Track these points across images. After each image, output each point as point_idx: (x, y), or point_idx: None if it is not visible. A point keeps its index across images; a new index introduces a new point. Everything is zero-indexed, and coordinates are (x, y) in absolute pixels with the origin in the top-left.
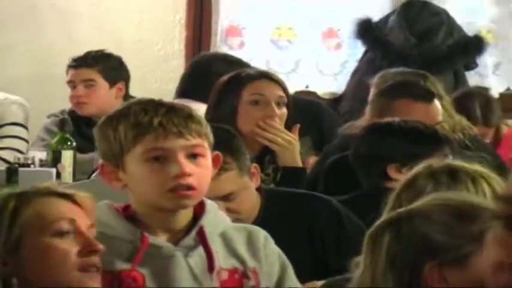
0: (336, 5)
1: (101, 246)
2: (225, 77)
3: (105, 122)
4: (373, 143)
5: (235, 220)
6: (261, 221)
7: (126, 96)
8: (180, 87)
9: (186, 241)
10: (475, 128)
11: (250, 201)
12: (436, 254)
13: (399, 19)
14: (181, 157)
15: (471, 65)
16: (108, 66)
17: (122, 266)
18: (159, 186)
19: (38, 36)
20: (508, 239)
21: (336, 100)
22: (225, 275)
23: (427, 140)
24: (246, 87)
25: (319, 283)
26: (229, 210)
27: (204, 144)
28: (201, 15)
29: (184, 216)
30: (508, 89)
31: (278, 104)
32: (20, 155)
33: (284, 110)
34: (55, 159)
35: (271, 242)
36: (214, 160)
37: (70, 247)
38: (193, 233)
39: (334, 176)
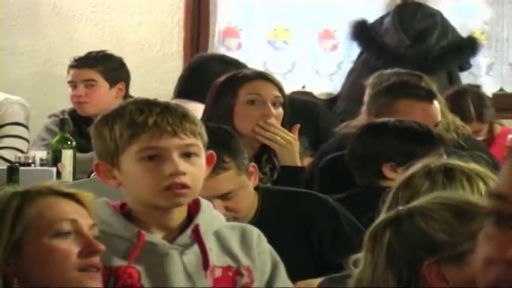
0: (332, 7)
1: (101, 247)
2: (222, 78)
3: (101, 121)
4: (369, 143)
5: (233, 218)
6: (259, 219)
7: (126, 96)
8: (177, 88)
9: (182, 239)
10: (469, 125)
11: (248, 200)
12: (435, 252)
13: (394, 20)
14: (176, 156)
15: (465, 66)
16: (108, 66)
17: (118, 262)
18: (153, 185)
19: (39, 37)
20: (499, 235)
21: (332, 100)
22: (218, 273)
23: (422, 139)
24: (242, 87)
25: (318, 280)
26: (227, 209)
27: (199, 144)
28: (198, 17)
29: (179, 214)
30: (501, 89)
31: (274, 104)
32: (20, 155)
33: (280, 110)
34: (55, 159)
35: (263, 240)
36: (209, 159)
37: (71, 247)
38: (189, 231)
39: (329, 175)
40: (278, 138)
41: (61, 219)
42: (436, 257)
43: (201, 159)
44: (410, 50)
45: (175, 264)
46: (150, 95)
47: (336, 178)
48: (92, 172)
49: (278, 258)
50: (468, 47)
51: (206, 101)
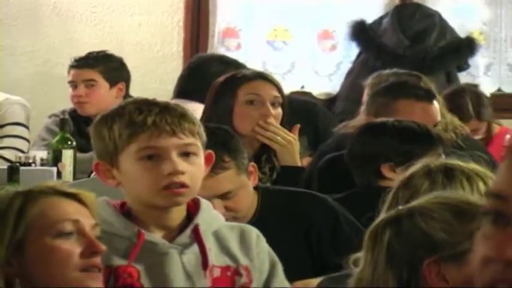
0: (331, 7)
1: (103, 247)
2: (221, 78)
3: (100, 121)
4: (368, 143)
5: (233, 218)
6: (258, 219)
7: (126, 96)
8: (177, 88)
9: (181, 239)
10: (468, 123)
11: (248, 199)
12: (435, 251)
13: (393, 21)
14: (174, 155)
15: (463, 66)
16: (109, 67)
17: (118, 261)
18: (152, 184)
19: (39, 37)
20: (496, 234)
21: (331, 100)
22: (217, 272)
23: (421, 139)
24: (241, 88)
25: (317, 280)
26: (227, 209)
27: (197, 143)
28: (198, 17)
29: (178, 213)
30: (499, 89)
31: (273, 104)
32: (21, 154)
33: (279, 110)
34: (56, 159)
35: (262, 240)
36: (207, 159)
37: (73, 248)
38: (188, 230)
39: (328, 175)
40: (279, 138)
41: (63, 220)
42: (436, 257)
43: (200, 159)
44: (409, 50)
45: (174, 263)
46: (149, 95)
47: (335, 178)
48: (92, 172)
49: (276, 259)
50: (466, 47)
51: (206, 102)
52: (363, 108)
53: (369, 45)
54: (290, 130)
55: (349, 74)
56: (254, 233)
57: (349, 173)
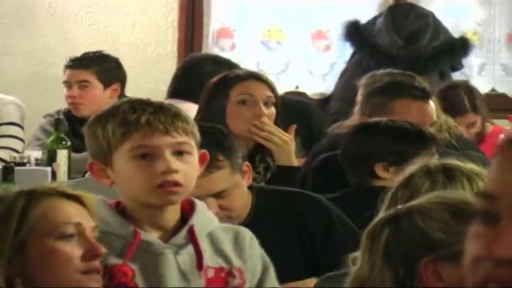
0: (325, 8)
1: (103, 250)
2: (214, 78)
3: (94, 120)
4: (361, 142)
5: (227, 217)
6: (252, 218)
7: (121, 97)
8: (171, 88)
9: (176, 239)
10: (464, 117)
11: (242, 198)
12: (432, 250)
13: (386, 21)
14: (168, 154)
15: (457, 66)
16: (104, 67)
17: (114, 260)
18: (146, 183)
19: (34, 37)
20: (487, 233)
21: (325, 100)
22: (211, 273)
23: (414, 139)
24: (234, 88)
25: (311, 280)
26: (221, 208)
27: (191, 142)
28: (192, 17)
29: (172, 213)
30: (493, 89)
31: (266, 104)
32: (16, 154)
33: (272, 110)
34: (50, 158)
35: (255, 242)
36: (201, 158)
37: (74, 250)
38: (184, 231)
39: (322, 175)
40: (275, 138)
41: (65, 222)
42: (432, 256)
43: (194, 158)
44: (403, 50)
45: (169, 263)
46: (144, 95)
47: (329, 178)
48: (87, 172)
49: (268, 261)
50: (460, 47)
51: (200, 102)
52: (357, 108)
53: (363, 45)
54: (284, 130)
55: (343, 74)
56: (248, 235)
57: (343, 173)
